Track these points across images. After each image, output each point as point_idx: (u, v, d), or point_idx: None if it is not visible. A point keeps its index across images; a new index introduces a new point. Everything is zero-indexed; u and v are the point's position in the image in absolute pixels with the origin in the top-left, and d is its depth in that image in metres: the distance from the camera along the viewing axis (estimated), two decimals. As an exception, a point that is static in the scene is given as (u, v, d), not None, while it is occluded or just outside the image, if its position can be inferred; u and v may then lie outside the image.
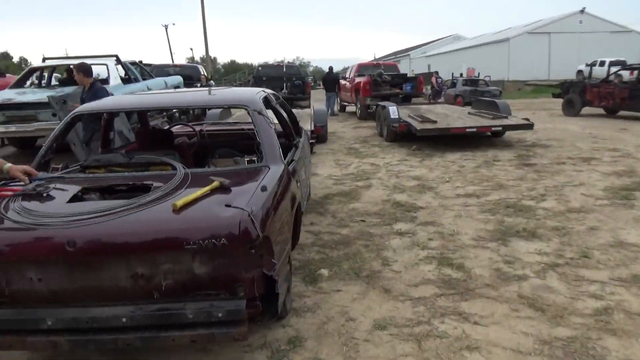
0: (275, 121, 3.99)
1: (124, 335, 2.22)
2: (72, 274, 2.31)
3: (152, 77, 10.32)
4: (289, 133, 4.18)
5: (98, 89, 5.65)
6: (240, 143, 4.54)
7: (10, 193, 2.56)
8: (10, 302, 2.38)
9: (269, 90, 4.19)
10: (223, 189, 2.54)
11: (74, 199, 2.52)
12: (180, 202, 2.31)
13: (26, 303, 2.39)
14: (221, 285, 2.39)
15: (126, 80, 8.87)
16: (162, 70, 15.99)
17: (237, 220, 2.23)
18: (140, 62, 10.74)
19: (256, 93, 3.63)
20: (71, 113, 3.36)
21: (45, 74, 8.83)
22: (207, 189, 2.50)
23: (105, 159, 2.99)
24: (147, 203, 2.38)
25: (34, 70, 8.55)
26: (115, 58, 8.69)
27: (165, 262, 2.30)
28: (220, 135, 5.02)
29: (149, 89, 9.08)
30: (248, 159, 3.15)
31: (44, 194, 2.56)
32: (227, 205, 2.31)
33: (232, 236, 2.21)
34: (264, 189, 2.59)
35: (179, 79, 11.78)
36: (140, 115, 4.85)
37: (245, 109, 3.33)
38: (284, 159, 3.32)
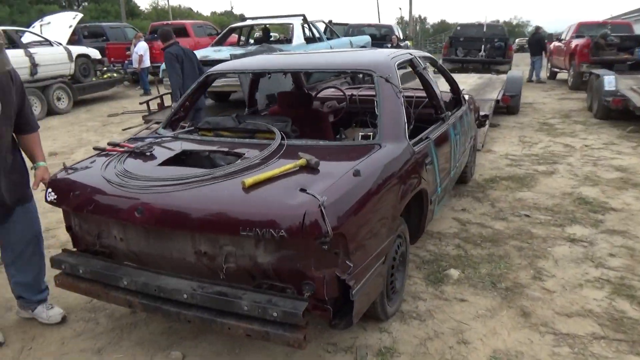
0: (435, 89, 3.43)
1: (185, 311, 2.10)
2: (145, 239, 2.27)
3: (338, 37, 10.29)
4: (437, 104, 3.55)
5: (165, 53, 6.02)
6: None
7: (122, 149, 2.63)
8: (104, 254, 2.48)
9: (417, 53, 3.60)
10: (309, 169, 2.18)
11: (166, 162, 2.46)
12: (250, 180, 2.03)
13: (115, 259, 2.45)
14: (287, 279, 2.08)
15: (310, 39, 8.99)
16: (358, 30, 16.02)
17: (301, 211, 1.86)
18: (330, 21, 10.77)
19: (390, 56, 3.10)
20: (205, 73, 3.36)
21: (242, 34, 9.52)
22: (289, 166, 2.17)
23: (215, 122, 2.90)
24: (223, 176, 2.16)
25: (232, 29, 9.27)
26: (302, 18, 8.83)
27: (227, 244, 2.08)
28: (367, 100, 4.60)
29: (331, 48, 9.06)
30: (363, 134, 2.70)
31: (147, 154, 2.57)
32: (302, 190, 1.94)
33: (293, 229, 1.86)
34: (356, 173, 2.14)
35: (365, 38, 11.54)
36: (294, 76, 4.75)
37: (370, 75, 2.85)
38: (413, 137, 2.79)
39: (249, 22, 9.56)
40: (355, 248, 2.03)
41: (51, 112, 10.37)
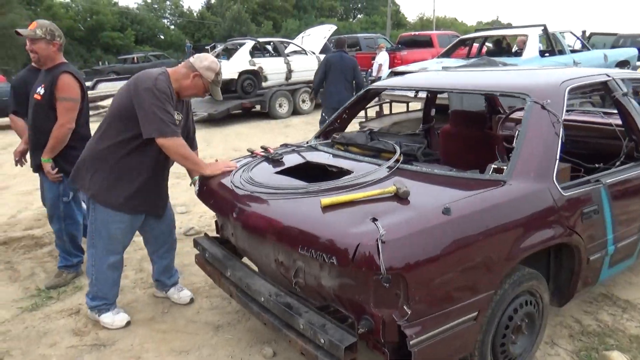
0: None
1: (263, 313, 2.21)
2: (247, 239, 2.45)
3: (588, 49, 8.89)
4: (638, 140, 2.80)
5: None
6: (598, 144, 3.41)
7: (262, 154, 2.90)
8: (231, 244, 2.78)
9: (615, 74, 2.88)
10: (397, 198, 2.02)
11: (284, 171, 2.59)
12: (327, 201, 2.00)
13: (234, 250, 2.73)
14: (349, 308, 1.99)
15: (548, 52, 8.00)
16: (633, 41, 13.51)
17: (356, 241, 1.75)
18: (584, 32, 9.38)
19: (562, 78, 2.57)
20: (366, 88, 3.39)
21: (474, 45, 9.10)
22: (375, 192, 2.05)
23: (348, 137, 2.89)
24: (315, 192, 2.18)
25: (462, 41, 8.96)
26: (542, 28, 7.95)
27: (298, 259, 2.10)
28: (581, 128, 3.88)
29: (575, 63, 7.93)
30: (497, 167, 2.33)
31: (278, 160, 2.76)
32: (373, 220, 1.83)
33: (344, 258, 1.76)
34: (446, 211, 1.88)
35: (631, 52, 9.62)
36: (488, 100, 4.39)
37: (523, 99, 2.43)
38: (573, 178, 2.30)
39: (481, 33, 9.09)
40: (420, 294, 1.79)
41: (295, 112, 11.87)
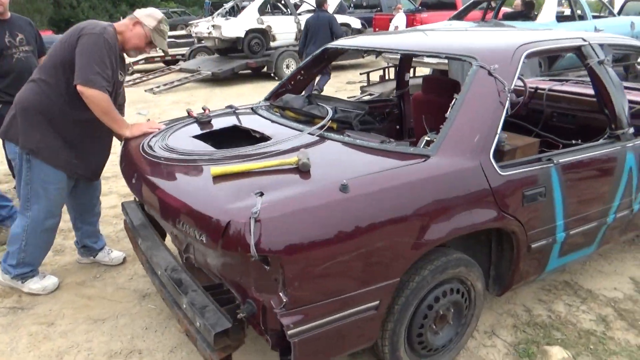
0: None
1: (162, 288, 2.05)
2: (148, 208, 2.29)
3: (614, 15, 8.20)
4: (611, 115, 2.47)
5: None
6: (589, 119, 3.08)
7: (193, 115, 2.70)
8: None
9: (594, 38, 2.52)
10: (298, 170, 1.79)
11: (203, 135, 2.38)
12: (218, 171, 1.79)
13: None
14: (236, 290, 1.81)
15: (565, 17, 7.39)
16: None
17: (227, 218, 1.56)
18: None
19: (520, 41, 2.24)
20: (323, 47, 3.10)
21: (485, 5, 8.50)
22: (274, 163, 1.83)
23: (285, 101, 2.64)
24: (220, 159, 1.97)
25: (476, 3, 8.35)
26: (562, -11, 7.34)
27: (188, 233, 1.92)
28: (563, 99, 3.52)
29: (596, 29, 7.33)
30: (429, 139, 2.07)
31: (205, 123, 2.55)
32: (259, 194, 1.62)
33: (212, 237, 1.58)
34: (343, 188, 1.66)
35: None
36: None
37: (470, 63, 2.13)
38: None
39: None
40: (300, 281, 1.59)
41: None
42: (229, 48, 11.35)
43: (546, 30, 2.80)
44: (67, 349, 2.35)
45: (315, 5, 7.14)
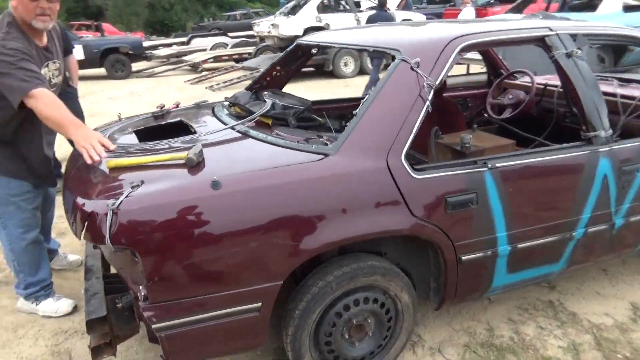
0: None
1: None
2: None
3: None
4: (581, 115, 2.17)
5: None
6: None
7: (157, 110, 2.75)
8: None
9: (563, 27, 2.22)
10: (184, 165, 1.77)
11: (144, 129, 2.41)
12: (113, 163, 1.81)
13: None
14: (122, 279, 1.84)
15: (634, 7, 6.58)
16: None
17: (87, 210, 1.58)
18: None
19: (456, 32, 2.02)
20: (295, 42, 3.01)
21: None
22: (165, 157, 1.82)
23: (235, 97, 2.58)
24: (135, 152, 1.99)
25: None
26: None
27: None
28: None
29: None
30: (326, 138, 1.95)
31: (157, 117, 2.59)
32: (133, 187, 1.63)
33: (78, 228, 1.61)
34: (214, 185, 1.61)
35: None
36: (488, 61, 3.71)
37: (393, 56, 1.97)
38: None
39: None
40: (161, 275, 1.57)
41: (363, 71, 11.36)
42: (284, 47, 11.51)
43: (507, 20, 2.52)
44: (24, 323, 2.54)
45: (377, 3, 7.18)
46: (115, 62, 12.12)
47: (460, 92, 3.86)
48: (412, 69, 1.88)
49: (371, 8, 12.06)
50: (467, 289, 2.08)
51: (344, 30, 2.99)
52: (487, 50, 3.63)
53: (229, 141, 2.04)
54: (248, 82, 11.16)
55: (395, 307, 2.03)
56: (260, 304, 1.71)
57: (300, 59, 3.14)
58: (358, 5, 12.61)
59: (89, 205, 1.60)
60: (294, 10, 12.08)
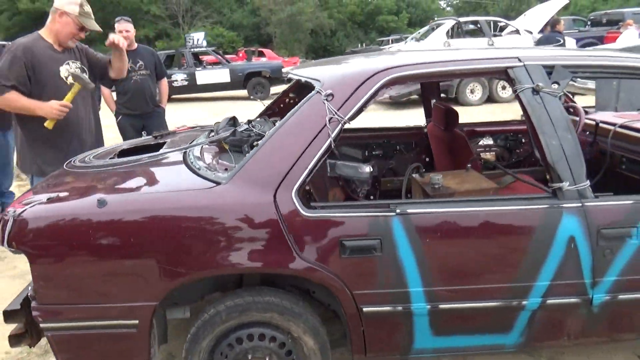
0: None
1: None
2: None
3: None
4: (544, 162, 1.79)
5: None
6: None
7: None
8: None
9: (536, 57, 1.86)
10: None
11: (133, 149, 2.63)
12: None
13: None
14: None
15: None
16: None
17: (6, 215, 1.83)
18: None
19: (392, 62, 1.83)
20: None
21: None
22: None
23: (218, 123, 2.64)
24: (94, 166, 2.22)
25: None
26: None
27: None
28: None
29: None
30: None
31: (157, 139, 2.80)
32: (49, 199, 1.85)
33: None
34: (100, 203, 1.74)
35: None
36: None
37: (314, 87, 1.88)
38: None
39: None
40: (46, 279, 1.74)
41: (492, 99, 10.66)
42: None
43: (471, 50, 2.18)
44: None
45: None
46: (256, 84, 13.28)
47: (512, 127, 3.46)
48: (326, 101, 1.80)
49: (512, 32, 11.33)
50: (379, 345, 1.87)
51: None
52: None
53: (165, 164, 2.16)
54: (370, 106, 11.45)
55: (300, 350, 1.92)
56: (137, 322, 1.78)
57: (294, 93, 3.14)
58: (498, 29, 11.92)
59: (9, 211, 1.86)
60: (426, 35, 11.93)
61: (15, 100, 2.68)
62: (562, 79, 1.86)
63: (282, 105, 3.15)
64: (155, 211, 1.74)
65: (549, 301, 1.81)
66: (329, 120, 1.76)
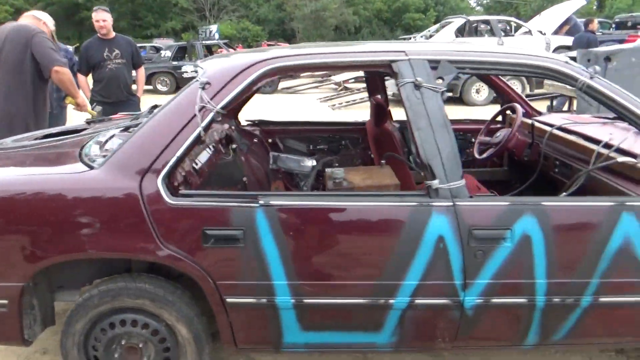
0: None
1: None
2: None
3: None
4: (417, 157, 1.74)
5: None
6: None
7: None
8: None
9: (421, 52, 1.81)
10: None
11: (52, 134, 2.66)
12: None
13: None
14: None
15: None
16: None
17: None
18: None
19: (269, 57, 1.81)
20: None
21: None
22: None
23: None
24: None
25: None
26: None
27: None
28: (572, 145, 2.51)
29: None
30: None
31: (87, 125, 2.85)
32: None
33: None
34: None
35: None
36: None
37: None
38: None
39: None
40: None
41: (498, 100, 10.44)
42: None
43: (358, 44, 2.12)
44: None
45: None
46: (266, 78, 13.27)
47: (465, 126, 3.39)
48: (203, 88, 1.79)
49: (526, 33, 11.05)
50: (248, 337, 1.86)
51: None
52: (494, 81, 3.13)
53: (62, 149, 2.18)
54: (368, 104, 11.36)
55: (175, 338, 1.92)
56: (6, 301, 1.81)
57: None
58: (512, 29, 11.63)
59: None
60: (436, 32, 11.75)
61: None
62: (447, 74, 1.80)
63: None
64: (19, 192, 1.75)
65: (418, 301, 1.76)
66: (200, 109, 1.75)
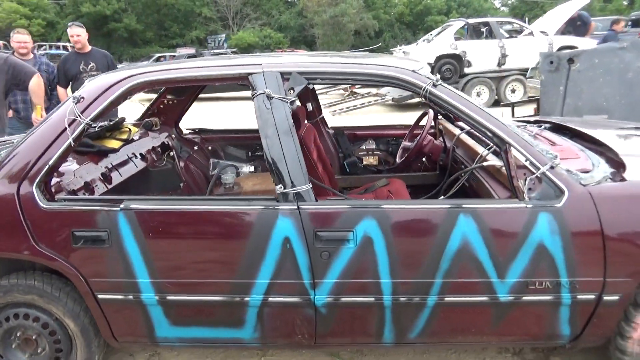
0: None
1: None
2: None
3: None
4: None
5: None
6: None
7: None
8: None
9: (282, 65, 1.92)
10: None
11: None
12: None
13: None
14: None
15: None
16: None
17: None
18: None
19: (137, 72, 1.95)
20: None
21: None
22: None
23: None
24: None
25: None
26: None
27: None
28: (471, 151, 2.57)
29: None
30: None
31: None
32: None
33: None
34: None
35: None
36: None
37: None
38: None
39: None
40: None
41: (499, 102, 10.32)
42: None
43: (225, 58, 2.23)
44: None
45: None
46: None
47: (400, 131, 3.47)
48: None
49: (529, 34, 10.89)
50: (124, 331, 2.01)
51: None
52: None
53: None
54: (377, 108, 11.39)
55: (65, 331, 2.08)
56: None
57: (194, 88, 3.28)
58: (518, 32, 11.45)
59: None
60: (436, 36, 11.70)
61: None
62: (298, 85, 1.91)
63: (162, 106, 3.33)
64: None
65: (271, 299, 1.87)
66: (70, 122, 1.91)
